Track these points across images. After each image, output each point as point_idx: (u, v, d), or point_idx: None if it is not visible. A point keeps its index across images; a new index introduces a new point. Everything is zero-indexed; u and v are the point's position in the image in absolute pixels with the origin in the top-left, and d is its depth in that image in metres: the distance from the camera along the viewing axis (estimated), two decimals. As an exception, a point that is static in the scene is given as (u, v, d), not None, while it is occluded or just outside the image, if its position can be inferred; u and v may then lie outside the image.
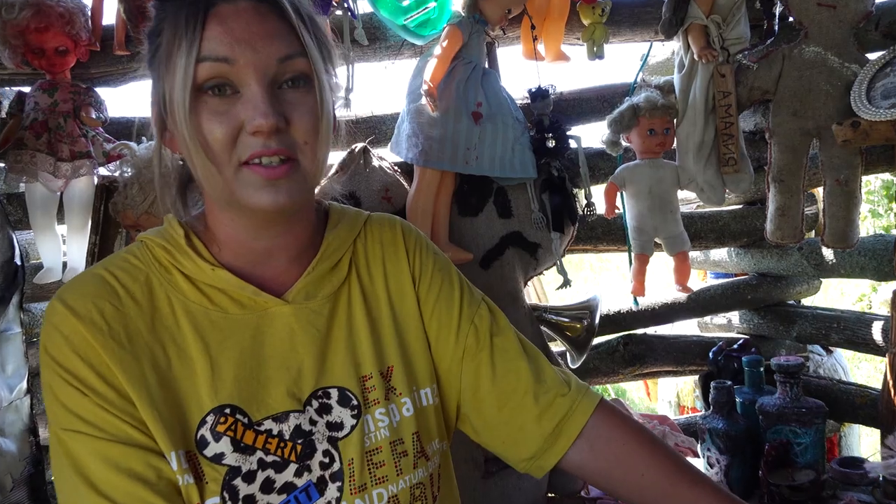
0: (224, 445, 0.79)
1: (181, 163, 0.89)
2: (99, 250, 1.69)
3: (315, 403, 0.84)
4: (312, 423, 0.83)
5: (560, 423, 0.93)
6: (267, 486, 0.79)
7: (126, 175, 1.61)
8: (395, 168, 1.84)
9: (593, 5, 1.87)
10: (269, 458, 0.80)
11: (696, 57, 1.80)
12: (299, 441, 0.82)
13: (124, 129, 1.84)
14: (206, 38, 0.76)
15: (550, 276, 2.02)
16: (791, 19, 1.76)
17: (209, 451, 0.78)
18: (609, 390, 4.35)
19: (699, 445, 1.80)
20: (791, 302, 2.27)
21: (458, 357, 0.95)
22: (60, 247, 1.79)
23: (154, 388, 0.79)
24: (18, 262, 1.68)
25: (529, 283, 2.03)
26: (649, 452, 0.91)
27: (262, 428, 0.81)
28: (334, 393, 0.86)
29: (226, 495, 0.77)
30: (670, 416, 2.30)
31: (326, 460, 0.82)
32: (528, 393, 0.94)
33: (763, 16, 1.87)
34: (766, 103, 1.86)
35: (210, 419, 0.79)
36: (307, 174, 0.81)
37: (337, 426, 0.84)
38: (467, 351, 0.95)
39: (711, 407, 1.81)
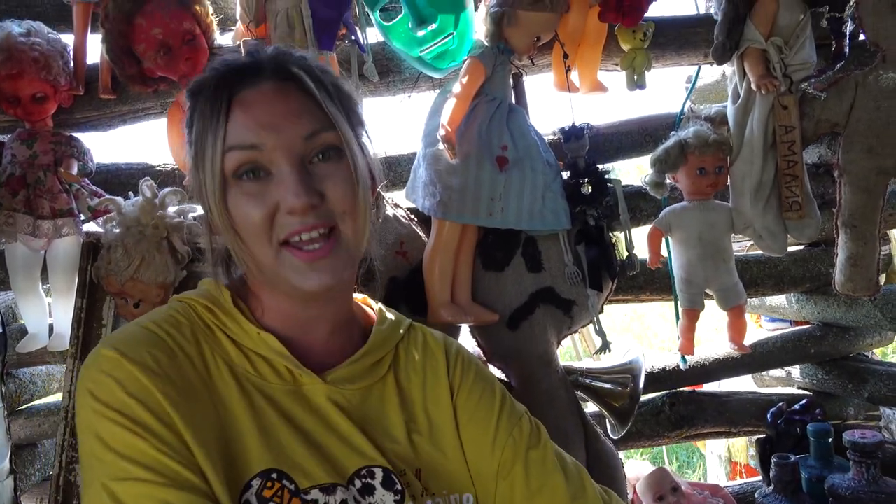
0: None
1: None
2: (86, 315, 1.54)
3: (358, 483, 0.82)
4: (357, 501, 0.81)
5: None
6: None
7: (112, 235, 1.46)
8: (411, 217, 1.66)
9: (634, 29, 1.67)
10: None
11: (753, 86, 1.59)
12: None
13: (114, 178, 1.69)
14: (231, 126, 0.80)
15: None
16: (864, 39, 1.55)
17: None
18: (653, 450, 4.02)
19: (760, 531, 1.60)
20: (861, 355, 2.03)
21: (494, 471, 0.93)
22: (46, 310, 1.65)
23: (211, 439, 0.77)
24: (1, 329, 1.54)
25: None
26: None
27: (309, 497, 0.79)
28: (379, 473, 0.84)
29: None
30: (721, 475, 2.08)
31: None
32: None
33: (831, 35, 1.65)
34: (836, 133, 1.64)
35: (256, 483, 0.77)
36: (349, 245, 0.83)
37: None
38: (503, 465, 0.93)
39: (773, 485, 1.61)
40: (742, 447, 2.50)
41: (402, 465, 0.87)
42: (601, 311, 1.67)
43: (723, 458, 2.58)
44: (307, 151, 0.82)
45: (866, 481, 1.51)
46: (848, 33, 1.62)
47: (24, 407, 1.85)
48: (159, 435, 0.75)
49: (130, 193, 1.51)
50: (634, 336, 6.23)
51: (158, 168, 1.72)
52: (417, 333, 1.01)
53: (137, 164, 1.73)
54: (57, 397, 1.95)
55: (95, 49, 1.60)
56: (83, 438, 0.77)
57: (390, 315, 1.00)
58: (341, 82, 0.89)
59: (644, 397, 1.96)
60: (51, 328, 1.65)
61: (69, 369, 1.53)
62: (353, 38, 1.57)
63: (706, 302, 1.76)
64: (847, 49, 1.62)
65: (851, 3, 1.57)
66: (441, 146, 1.50)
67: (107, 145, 1.68)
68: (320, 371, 0.87)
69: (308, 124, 0.81)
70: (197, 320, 0.87)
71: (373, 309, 1.00)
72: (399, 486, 0.84)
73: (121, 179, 1.69)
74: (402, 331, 0.99)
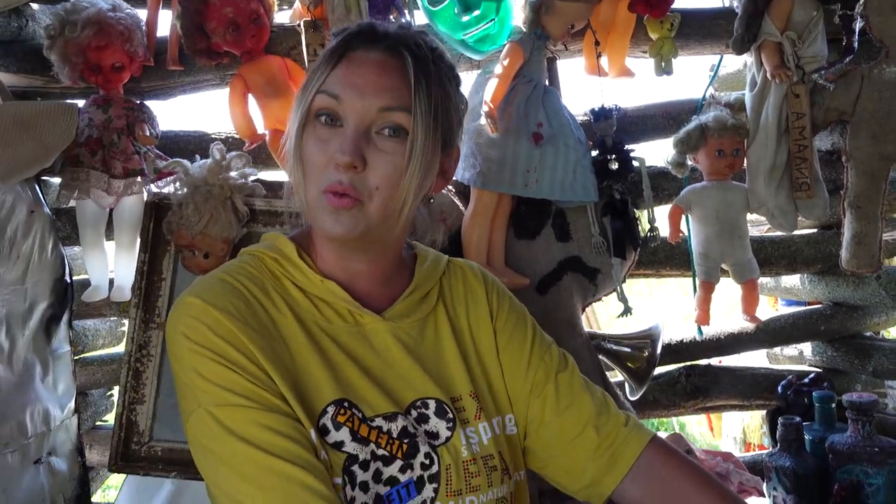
0: (344, 434, 1.04)
1: None
2: (148, 268, 1.95)
3: (414, 413, 1.10)
4: (415, 427, 1.08)
5: (615, 452, 1.17)
6: (377, 476, 1.03)
7: (180, 194, 1.88)
8: (450, 188, 2.09)
9: (662, 20, 2.10)
10: (380, 452, 1.04)
11: (769, 76, 2.02)
12: (405, 441, 1.06)
13: (172, 143, 2.11)
14: (332, 75, 1.06)
15: (607, 301, 2.26)
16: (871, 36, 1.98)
17: (330, 438, 1.03)
18: (671, 424, 4.57)
19: (765, 485, 2.03)
20: (869, 334, 2.48)
21: (527, 391, 1.21)
22: (108, 264, 2.07)
23: (287, 373, 1.04)
24: (68, 280, 1.96)
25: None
26: (701, 489, 1.15)
27: (374, 424, 1.06)
28: (432, 404, 1.11)
29: (346, 478, 1.02)
30: (735, 453, 2.52)
31: (427, 462, 1.07)
32: (589, 424, 1.19)
33: (842, 31, 2.08)
34: (845, 122, 2.08)
35: (331, 409, 1.04)
36: (369, 217, 1.06)
37: (434, 435, 1.10)
38: (535, 386, 1.21)
39: (779, 444, 2.03)
40: (756, 428, 2.95)
41: (458, 390, 1.14)
42: (624, 280, 2.11)
43: (738, 439, 3.04)
44: (377, 121, 1.04)
45: (862, 437, 1.94)
46: (857, 30, 2.05)
47: (76, 358, 2.28)
48: (248, 369, 1.01)
49: (197, 157, 1.93)
50: (654, 310, 6.79)
51: (213, 136, 2.14)
52: (456, 267, 1.29)
53: (194, 132, 2.16)
54: (103, 351, 2.39)
55: (163, 24, 2.03)
56: (181, 374, 1.03)
57: (430, 254, 1.27)
58: (452, 83, 1.14)
59: (662, 368, 2.40)
60: (110, 282, 2.06)
61: (132, 318, 1.94)
62: (403, 20, 2.00)
63: (722, 281, 2.20)
64: (856, 44, 2.05)
65: (861, 2, 2.00)
66: (483, 121, 1.93)
67: (165, 113, 2.08)
68: (379, 311, 1.14)
69: (389, 99, 1.04)
70: (266, 271, 1.13)
71: (415, 252, 1.27)
72: (451, 415, 1.11)
73: (179, 145, 2.11)
74: (442, 266, 1.26)
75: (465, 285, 1.27)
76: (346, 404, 1.05)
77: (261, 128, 2.04)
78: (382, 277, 1.17)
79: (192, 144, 2.12)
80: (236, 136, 2.11)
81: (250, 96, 2.02)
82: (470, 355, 1.20)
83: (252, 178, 1.95)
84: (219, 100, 2.07)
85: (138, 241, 1.99)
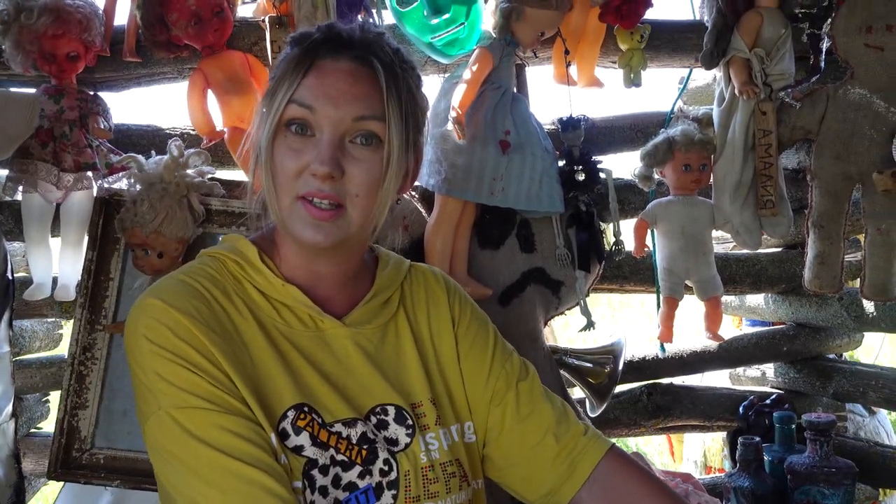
0: (304, 439, 1.10)
1: None
2: (96, 267, 1.99)
3: (373, 419, 1.17)
4: (374, 434, 1.15)
5: (574, 460, 1.25)
6: (336, 482, 1.10)
7: (134, 191, 1.93)
8: (412, 194, 2.17)
9: (632, 31, 2.21)
10: (339, 457, 1.11)
11: (737, 92, 2.14)
12: (364, 446, 1.13)
13: (123, 138, 2.15)
14: (302, 84, 1.12)
15: (569, 316, 2.36)
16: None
17: (290, 443, 1.09)
18: (630, 444, 4.68)
19: (723, 505, 2.14)
20: (831, 356, 2.62)
21: (487, 399, 1.29)
22: (52, 262, 2.10)
23: (248, 377, 1.10)
24: (10, 277, 1.99)
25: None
26: (658, 500, 1.23)
27: (334, 429, 1.13)
28: (391, 410, 1.19)
29: (305, 482, 1.08)
30: (695, 475, 2.63)
31: (386, 468, 1.14)
32: (549, 433, 1.27)
33: (809, 50, 2.22)
34: (811, 141, 2.21)
35: (291, 414, 1.11)
36: (351, 223, 1.14)
37: (393, 441, 1.17)
38: (496, 394, 1.29)
39: (738, 464, 2.14)
40: (717, 451, 3.08)
41: (418, 396, 1.22)
42: (588, 293, 2.21)
43: (698, 463, 3.16)
44: (351, 130, 1.12)
45: (819, 458, 2.06)
46: (825, 49, 2.20)
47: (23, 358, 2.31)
48: (209, 372, 1.07)
49: (153, 152, 1.98)
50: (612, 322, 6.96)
51: (167, 131, 2.20)
52: (417, 272, 1.36)
53: (147, 126, 2.21)
54: (41, 354, 2.41)
55: (121, 13, 2.08)
56: (141, 376, 1.08)
57: (392, 258, 1.34)
58: (418, 86, 1.22)
59: (623, 386, 2.50)
60: (54, 281, 2.10)
61: (77, 318, 1.97)
62: (370, 20, 2.08)
63: (688, 300, 2.31)
64: (823, 63, 2.20)
65: (828, 22, 2.14)
66: (449, 127, 2.01)
67: (117, 105, 2.12)
68: (340, 316, 1.21)
69: (362, 108, 1.12)
70: (227, 273, 1.19)
71: (376, 255, 1.34)
72: (410, 421, 1.18)
73: (131, 139, 2.16)
74: (404, 270, 1.33)
75: (426, 291, 1.34)
76: (305, 409, 1.12)
77: (219, 125, 2.09)
78: (345, 280, 1.24)
79: (144, 139, 2.17)
80: (192, 131, 2.17)
81: (210, 92, 2.07)
82: (430, 362, 1.28)
83: (209, 176, 2.01)
84: (175, 94, 2.13)
85: (86, 238, 2.03)
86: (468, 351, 1.32)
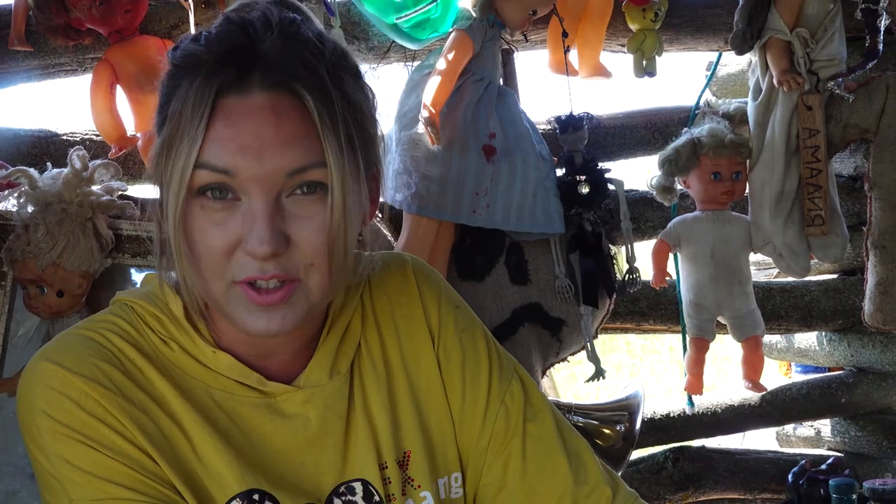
0: None
1: None
2: (-26, 309, 2.06)
3: (338, 502, 1.17)
4: None
5: None
6: None
7: (25, 213, 1.99)
8: (377, 214, 2.25)
9: (644, 6, 2.30)
10: None
11: (775, 82, 2.23)
12: None
13: (10, 147, 2.20)
14: (209, 138, 1.03)
15: (571, 364, 2.43)
16: (900, 36, 2.23)
17: None
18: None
19: None
20: (901, 408, 2.72)
21: (484, 445, 1.26)
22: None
23: (177, 459, 1.08)
24: None
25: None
26: None
27: None
28: (358, 488, 1.17)
29: None
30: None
31: None
32: (565, 496, 1.24)
33: (864, 29, 2.31)
34: (868, 142, 2.31)
35: None
36: (311, 295, 1.09)
37: None
38: (495, 438, 1.25)
39: (789, 548, 2.23)
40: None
41: (385, 456, 1.18)
42: (596, 335, 2.29)
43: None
44: (287, 186, 1.04)
45: (888, 534, 2.16)
46: (883, 28, 2.27)
47: None
48: (127, 454, 1.04)
49: (49, 164, 2.05)
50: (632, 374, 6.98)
51: (65, 137, 2.25)
52: (377, 270, 1.27)
53: (40, 132, 2.26)
54: None
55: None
56: (44, 462, 1.05)
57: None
58: (355, 82, 1.11)
59: (643, 451, 2.58)
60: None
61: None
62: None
63: (721, 342, 2.39)
64: (881, 45, 2.28)
65: (887, -4, 2.25)
66: (420, 130, 2.09)
67: (1, 105, 2.17)
68: (290, 379, 1.17)
69: (296, 158, 1.04)
70: (145, 328, 1.15)
71: None
72: (377, 498, 1.16)
73: (19, 148, 2.20)
74: (361, 281, 1.25)
75: (390, 298, 1.29)
76: (255, 497, 1.11)
77: (131, 128, 2.15)
78: (305, 340, 1.20)
79: (37, 148, 2.21)
80: (97, 137, 2.22)
81: (119, 88, 2.13)
82: (401, 405, 1.24)
83: (119, 193, 2.07)
84: (75, 91, 2.19)
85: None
86: (457, 378, 1.27)
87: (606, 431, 2.30)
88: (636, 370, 7.48)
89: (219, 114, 1.03)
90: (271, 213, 1.04)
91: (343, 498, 1.17)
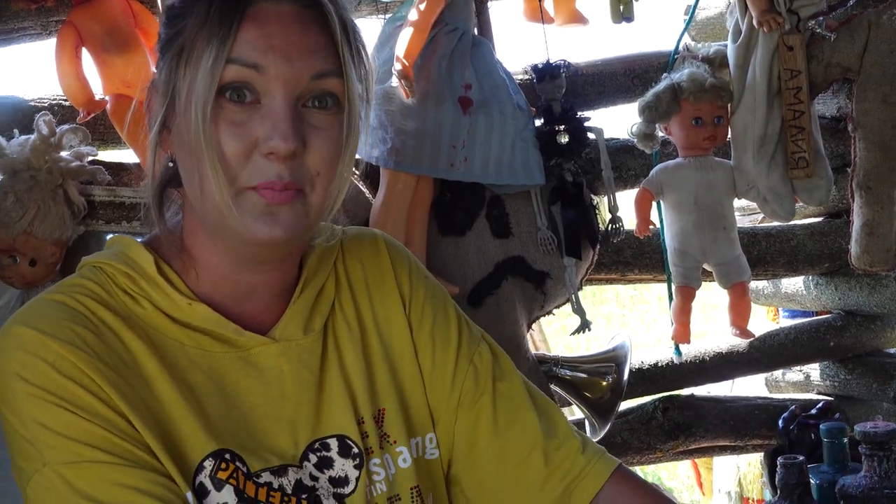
0: (228, 495, 1.10)
1: (171, 164, 1.21)
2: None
3: (313, 458, 1.18)
4: (314, 478, 1.17)
5: (570, 485, 1.26)
6: None
7: (-6, 182, 1.96)
8: (353, 170, 2.22)
9: (620, -52, 2.28)
10: None
11: (755, 23, 2.20)
12: (303, 496, 1.15)
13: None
14: (239, 38, 1.08)
15: (561, 317, 2.42)
16: (881, -27, 2.19)
17: (211, 501, 1.10)
18: (645, 475, 4.77)
19: (763, 543, 2.22)
20: (891, 350, 2.71)
21: (454, 404, 1.30)
22: None
23: (153, 420, 1.09)
24: None
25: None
26: None
27: (262, 481, 1.13)
28: (333, 444, 1.20)
29: None
30: (729, 511, 2.72)
31: None
32: (535, 449, 1.28)
33: (844, -36, 2.29)
34: (851, 81, 2.28)
35: (209, 464, 1.11)
36: (311, 209, 1.12)
37: (341, 481, 1.19)
38: (464, 396, 1.30)
39: (779, 491, 2.22)
40: (755, 478, 3.15)
41: (362, 411, 1.22)
42: (580, 286, 2.27)
43: (733, 494, 3.24)
44: (306, 92, 1.10)
45: (878, 477, 2.13)
46: (864, -36, 2.28)
47: None
48: (103, 416, 1.05)
49: (16, 132, 2.01)
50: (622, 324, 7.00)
51: (32, 103, 2.22)
52: (350, 240, 1.34)
53: (6, 98, 2.22)
54: None
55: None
56: (17, 426, 1.06)
57: (320, 230, 1.27)
58: (355, 23, 1.19)
59: (633, 402, 2.58)
60: None
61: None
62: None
63: (707, 289, 2.38)
64: (863, -19, 2.28)
65: (868, -73, 2.22)
66: (394, 83, 2.06)
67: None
68: (266, 330, 1.20)
69: (320, 63, 1.10)
70: (115, 289, 1.16)
71: None
72: (356, 450, 1.18)
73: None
74: (336, 246, 1.31)
75: (363, 266, 1.33)
76: (227, 456, 1.12)
77: (99, 92, 2.12)
78: (283, 286, 1.24)
79: (3, 115, 2.18)
80: (65, 102, 2.19)
81: (84, 51, 2.09)
82: (376, 364, 1.28)
83: (90, 159, 2.05)
84: (40, 55, 2.15)
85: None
86: (427, 341, 1.32)
87: (596, 383, 2.30)
88: (626, 321, 7.53)
89: (248, 17, 1.09)
90: (294, 113, 1.09)
91: (318, 454, 1.19)
